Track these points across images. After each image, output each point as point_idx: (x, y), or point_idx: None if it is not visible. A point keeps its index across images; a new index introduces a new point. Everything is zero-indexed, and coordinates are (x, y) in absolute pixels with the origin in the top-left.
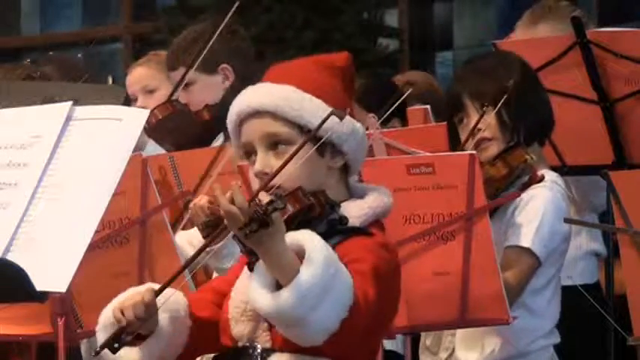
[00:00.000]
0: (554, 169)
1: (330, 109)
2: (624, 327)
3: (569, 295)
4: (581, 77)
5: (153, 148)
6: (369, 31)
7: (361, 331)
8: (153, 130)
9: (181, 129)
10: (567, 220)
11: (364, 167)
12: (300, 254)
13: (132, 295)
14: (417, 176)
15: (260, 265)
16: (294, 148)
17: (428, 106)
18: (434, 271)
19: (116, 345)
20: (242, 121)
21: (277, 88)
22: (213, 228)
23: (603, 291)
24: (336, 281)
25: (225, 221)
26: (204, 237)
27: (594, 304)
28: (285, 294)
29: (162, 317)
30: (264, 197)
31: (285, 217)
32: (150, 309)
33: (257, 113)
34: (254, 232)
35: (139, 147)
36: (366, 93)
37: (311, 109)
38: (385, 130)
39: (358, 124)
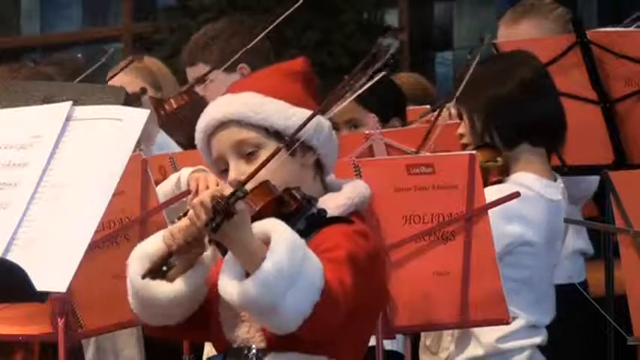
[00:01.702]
0: (554, 169)
1: (292, 108)
2: (624, 327)
3: (569, 294)
4: (581, 77)
5: (162, 139)
6: (369, 31)
7: (339, 318)
8: (166, 119)
9: (196, 121)
10: (567, 220)
11: (364, 167)
12: (268, 242)
13: (182, 221)
14: (417, 176)
15: (229, 256)
16: (264, 152)
17: (428, 107)
18: (434, 271)
19: (164, 268)
20: (209, 137)
21: (236, 96)
22: None
23: (590, 290)
24: (303, 266)
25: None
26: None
27: (594, 304)
28: (250, 283)
29: (206, 255)
30: (227, 191)
31: (257, 210)
32: (201, 234)
33: (222, 124)
34: (219, 224)
35: (147, 137)
36: (367, 93)
37: (274, 110)
38: (385, 130)
39: (322, 118)
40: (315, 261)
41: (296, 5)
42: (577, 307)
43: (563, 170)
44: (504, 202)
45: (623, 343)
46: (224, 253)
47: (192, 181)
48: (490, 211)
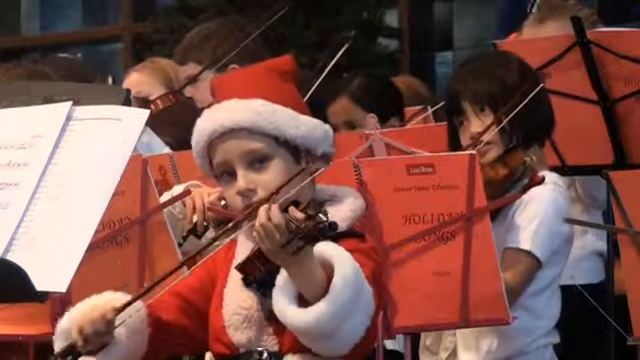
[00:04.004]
0: (554, 169)
1: (300, 116)
2: (624, 327)
3: (570, 295)
4: (581, 77)
5: (149, 138)
6: (369, 31)
7: (371, 336)
8: (153, 119)
9: (183, 122)
10: (568, 220)
11: (364, 167)
12: (324, 265)
13: (91, 310)
14: (417, 176)
15: (283, 278)
16: (274, 161)
17: (428, 107)
18: (434, 271)
19: (69, 358)
20: (213, 141)
21: (246, 103)
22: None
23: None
24: (362, 291)
25: (259, 238)
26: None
27: (594, 304)
28: (323, 307)
29: (119, 332)
30: (296, 212)
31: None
32: (109, 327)
33: (231, 131)
34: (300, 248)
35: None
36: (365, 93)
37: (285, 119)
38: (385, 130)
39: (327, 126)
40: (368, 286)
41: (282, 11)
42: (577, 307)
43: (563, 170)
44: (505, 203)
45: (623, 343)
46: (263, 276)
47: (187, 199)
48: (545, 212)
